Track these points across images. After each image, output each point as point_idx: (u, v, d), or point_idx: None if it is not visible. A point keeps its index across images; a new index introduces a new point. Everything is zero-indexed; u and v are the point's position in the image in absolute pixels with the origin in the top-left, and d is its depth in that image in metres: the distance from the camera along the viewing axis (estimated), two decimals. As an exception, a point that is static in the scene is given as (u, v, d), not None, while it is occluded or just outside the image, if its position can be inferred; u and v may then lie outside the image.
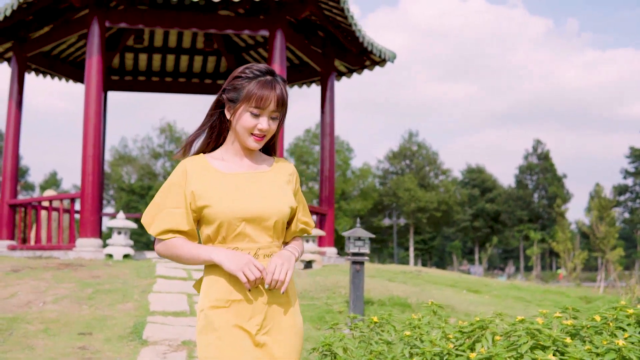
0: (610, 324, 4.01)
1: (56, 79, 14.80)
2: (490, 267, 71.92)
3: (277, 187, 2.29)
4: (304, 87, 15.16)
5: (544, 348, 3.77)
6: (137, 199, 51.23)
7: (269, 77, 2.22)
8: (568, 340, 3.74)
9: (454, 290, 9.41)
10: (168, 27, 11.31)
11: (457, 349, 4.07)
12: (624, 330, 3.90)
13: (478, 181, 69.39)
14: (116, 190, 54.53)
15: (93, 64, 10.87)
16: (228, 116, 2.27)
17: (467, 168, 71.62)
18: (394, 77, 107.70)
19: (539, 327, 3.85)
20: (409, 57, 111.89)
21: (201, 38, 14.43)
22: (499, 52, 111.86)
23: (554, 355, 3.68)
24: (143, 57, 15.35)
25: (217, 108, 2.32)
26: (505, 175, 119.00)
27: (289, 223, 2.39)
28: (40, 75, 14.45)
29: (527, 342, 3.80)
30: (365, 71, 13.85)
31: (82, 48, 14.01)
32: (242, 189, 2.23)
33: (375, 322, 4.50)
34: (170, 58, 15.42)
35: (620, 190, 68.96)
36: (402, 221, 48.12)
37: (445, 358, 3.89)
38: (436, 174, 62.74)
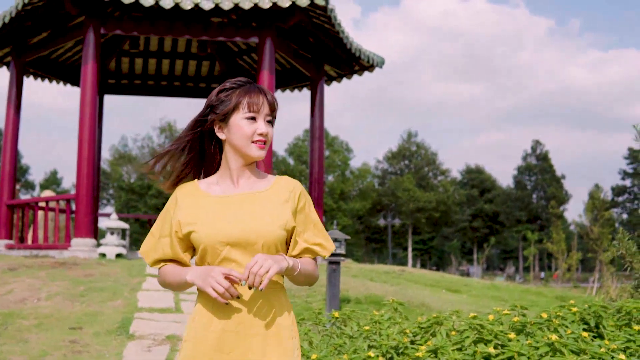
0: (555, 320, 4.38)
1: (54, 82, 15.21)
2: (490, 268, 72.25)
3: (270, 207, 2.13)
4: (296, 91, 15.58)
5: (487, 342, 4.15)
6: (136, 198, 51.62)
7: (252, 85, 2.18)
8: (512, 335, 4.12)
9: (433, 289, 9.79)
10: (162, 35, 11.72)
11: (413, 343, 4.47)
12: (567, 327, 4.27)
13: (477, 181, 69.72)
14: (116, 189, 54.96)
15: (88, 70, 11.27)
16: (220, 134, 2.18)
17: (465, 168, 71.98)
18: (395, 77, 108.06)
19: (482, 322, 4.24)
20: (411, 57, 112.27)
21: (195, 43, 14.81)
22: (501, 53, 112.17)
23: (495, 348, 4.06)
24: (139, 62, 15.75)
25: (198, 127, 2.22)
26: (505, 176, 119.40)
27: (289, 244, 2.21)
28: (39, 79, 14.86)
29: (470, 336, 4.18)
30: (366, 73, 14.16)
31: (80, 52, 14.38)
32: (229, 211, 2.11)
33: (337, 318, 4.90)
34: (166, 62, 15.82)
35: (619, 191, 69.28)
36: (397, 221, 48.53)
37: (401, 351, 4.28)
38: (435, 174, 63.15)
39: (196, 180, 2.24)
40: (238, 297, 2.02)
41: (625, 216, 69.72)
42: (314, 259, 2.25)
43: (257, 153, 2.15)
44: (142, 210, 49.54)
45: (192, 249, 2.18)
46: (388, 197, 56.23)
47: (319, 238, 2.22)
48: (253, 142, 2.13)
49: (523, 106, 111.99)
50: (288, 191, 2.19)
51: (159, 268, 2.21)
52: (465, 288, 10.37)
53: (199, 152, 2.25)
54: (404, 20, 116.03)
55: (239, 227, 2.07)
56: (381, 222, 47.43)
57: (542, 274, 47.39)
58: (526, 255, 51.57)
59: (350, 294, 8.14)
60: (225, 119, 2.15)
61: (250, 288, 1.98)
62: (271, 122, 2.18)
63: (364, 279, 9.69)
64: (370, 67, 13.80)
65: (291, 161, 54.69)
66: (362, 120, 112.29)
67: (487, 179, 70.16)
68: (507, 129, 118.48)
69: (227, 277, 1.99)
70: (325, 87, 14.49)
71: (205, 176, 2.26)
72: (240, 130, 2.13)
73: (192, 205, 2.14)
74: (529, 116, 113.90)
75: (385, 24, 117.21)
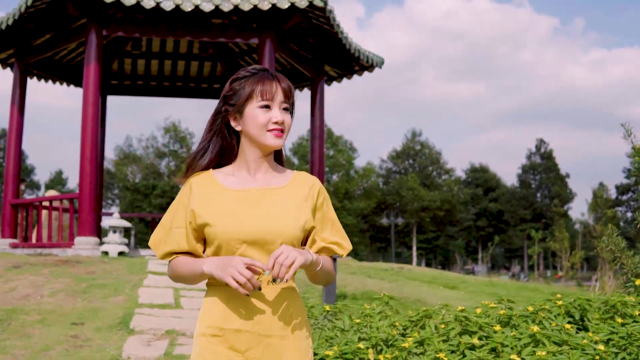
0: (540, 313, 4.51)
1: (57, 83, 15.38)
2: (495, 267, 72.25)
3: (290, 205, 2.07)
4: (297, 91, 15.72)
5: (472, 334, 4.29)
6: (141, 198, 51.82)
7: (265, 72, 2.09)
8: (497, 327, 4.26)
9: (430, 286, 9.92)
10: (163, 36, 11.89)
11: (404, 336, 4.61)
12: (552, 319, 4.41)
13: (481, 180, 69.77)
14: (121, 189, 55.19)
15: (91, 72, 11.44)
16: (236, 126, 2.11)
17: (470, 167, 72.02)
18: (400, 77, 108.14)
19: (468, 315, 4.38)
20: (416, 57, 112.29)
21: (197, 44, 14.98)
22: (506, 52, 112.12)
23: (480, 339, 4.20)
24: (141, 63, 15.91)
25: (217, 121, 2.13)
26: (509, 175, 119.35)
27: (306, 242, 2.15)
28: (42, 80, 15.04)
29: (455, 328, 4.33)
30: (366, 73, 14.31)
31: (82, 54, 14.52)
32: (247, 207, 2.04)
33: (328, 311, 5.05)
34: (168, 63, 15.98)
35: (623, 189, 69.19)
36: (400, 220, 48.75)
37: (390, 343, 4.42)
38: (439, 173, 63.31)
39: (211, 170, 2.14)
40: (259, 289, 1.96)
41: (629, 214, 69.63)
42: (332, 257, 2.19)
43: (274, 141, 2.07)
44: (146, 210, 49.78)
45: (204, 241, 2.11)
46: (392, 196, 56.41)
47: (336, 237, 2.16)
48: (268, 130, 2.05)
49: (527, 105, 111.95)
50: (307, 187, 2.13)
51: (170, 261, 2.12)
52: (463, 285, 10.50)
53: (220, 146, 2.16)
54: (408, 19, 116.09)
55: (257, 225, 2.01)
56: (384, 221, 47.59)
57: (549, 273, 47.42)
58: (531, 254, 51.65)
59: (347, 290, 8.29)
60: (239, 109, 2.08)
61: (274, 281, 1.92)
62: (289, 110, 2.10)
63: (362, 275, 9.83)
64: (369, 67, 13.95)
65: (295, 160, 54.83)
66: (367, 119, 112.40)
67: (492, 178, 70.22)
68: (511, 128, 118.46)
69: (248, 268, 1.91)
70: (327, 87, 14.66)
71: (222, 166, 2.17)
72: (255, 119, 2.05)
73: (208, 197, 2.06)
74: (533, 115, 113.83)
75: (389, 24, 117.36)
